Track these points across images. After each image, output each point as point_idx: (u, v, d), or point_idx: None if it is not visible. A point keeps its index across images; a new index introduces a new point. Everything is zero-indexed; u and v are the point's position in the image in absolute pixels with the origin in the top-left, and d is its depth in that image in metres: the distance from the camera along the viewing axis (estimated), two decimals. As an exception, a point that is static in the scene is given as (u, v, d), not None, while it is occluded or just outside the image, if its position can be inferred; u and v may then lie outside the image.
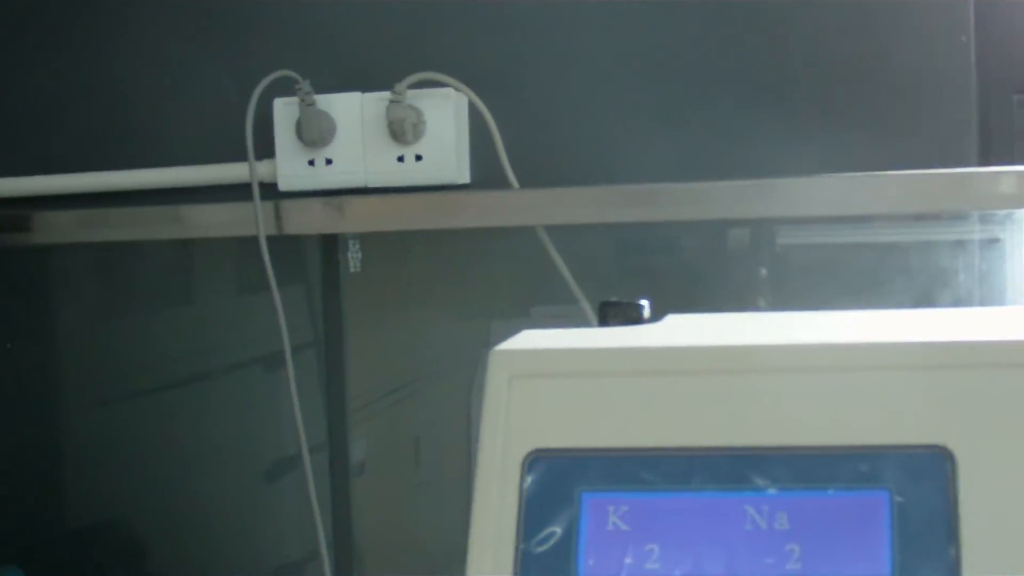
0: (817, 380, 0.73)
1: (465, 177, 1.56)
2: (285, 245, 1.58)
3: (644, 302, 0.88)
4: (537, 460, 0.74)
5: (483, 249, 1.59)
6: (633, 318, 0.88)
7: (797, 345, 0.75)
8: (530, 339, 0.80)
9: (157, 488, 1.71)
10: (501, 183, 1.52)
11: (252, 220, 1.53)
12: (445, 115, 1.54)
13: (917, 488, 0.70)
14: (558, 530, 0.72)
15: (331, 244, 1.61)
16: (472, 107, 1.54)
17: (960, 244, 1.54)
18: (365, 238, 1.61)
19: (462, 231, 1.56)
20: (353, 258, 1.61)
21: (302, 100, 1.53)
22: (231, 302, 1.69)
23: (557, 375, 0.76)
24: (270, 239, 1.53)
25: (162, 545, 1.73)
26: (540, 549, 0.72)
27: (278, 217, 1.55)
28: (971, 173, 1.45)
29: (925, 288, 1.53)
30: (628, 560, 0.72)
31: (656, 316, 0.90)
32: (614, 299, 0.90)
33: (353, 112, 1.55)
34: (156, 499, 1.71)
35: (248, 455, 1.68)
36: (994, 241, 1.57)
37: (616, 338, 0.79)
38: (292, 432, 1.54)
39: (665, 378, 0.75)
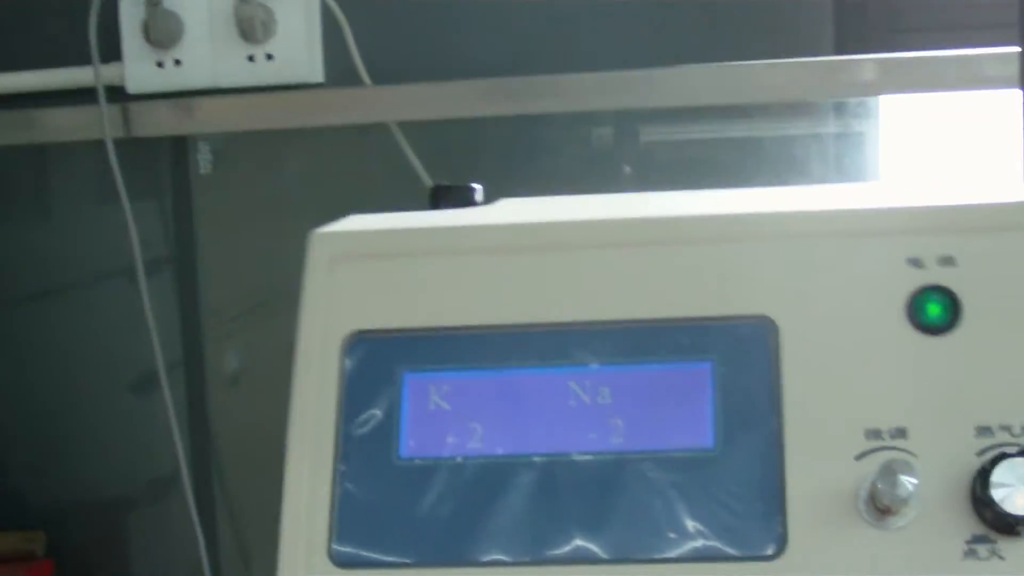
0: (639, 254, 0.72)
1: (318, 76, 1.54)
2: (137, 150, 1.54)
3: (476, 185, 0.86)
4: (358, 341, 0.72)
5: (342, 148, 1.57)
6: (465, 201, 0.86)
7: (619, 220, 0.74)
8: (354, 222, 0.78)
9: (17, 403, 1.68)
10: (354, 81, 1.50)
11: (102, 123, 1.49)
12: (296, 13, 1.51)
13: (740, 358, 0.70)
14: (379, 411, 0.71)
15: (182, 147, 1.58)
16: (324, 5, 1.51)
17: (819, 137, 1.54)
18: (218, 140, 1.57)
19: (320, 130, 1.53)
20: (203, 160, 1.58)
21: (148, 0, 1.49)
22: (89, 210, 1.65)
23: (378, 256, 0.74)
24: (121, 143, 1.50)
25: (22, 461, 1.69)
26: (361, 431, 0.71)
27: (126, 120, 1.52)
28: (833, 62, 1.45)
29: (785, 182, 1.53)
30: (451, 439, 0.70)
31: (490, 200, 0.89)
32: (445, 183, 0.88)
33: (201, 11, 1.52)
34: (16, 415, 1.68)
35: (113, 368, 1.65)
36: (852, 134, 1.57)
37: (440, 219, 0.77)
38: (164, 342, 1.51)
39: (485, 256, 0.73)
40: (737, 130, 1.58)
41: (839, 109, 1.53)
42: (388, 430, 0.70)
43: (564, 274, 0.72)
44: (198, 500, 1.56)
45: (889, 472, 0.64)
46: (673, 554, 0.67)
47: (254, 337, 1.62)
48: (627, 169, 1.57)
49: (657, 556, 0.67)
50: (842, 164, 1.54)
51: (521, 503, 0.68)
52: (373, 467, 0.70)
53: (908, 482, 0.63)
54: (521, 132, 1.56)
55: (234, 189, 1.61)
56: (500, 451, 0.69)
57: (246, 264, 1.62)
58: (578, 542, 0.68)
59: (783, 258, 0.71)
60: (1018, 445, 0.66)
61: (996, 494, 0.64)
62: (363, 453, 0.70)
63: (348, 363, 0.72)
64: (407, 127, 1.51)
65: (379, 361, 0.72)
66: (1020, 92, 0.84)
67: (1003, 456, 0.65)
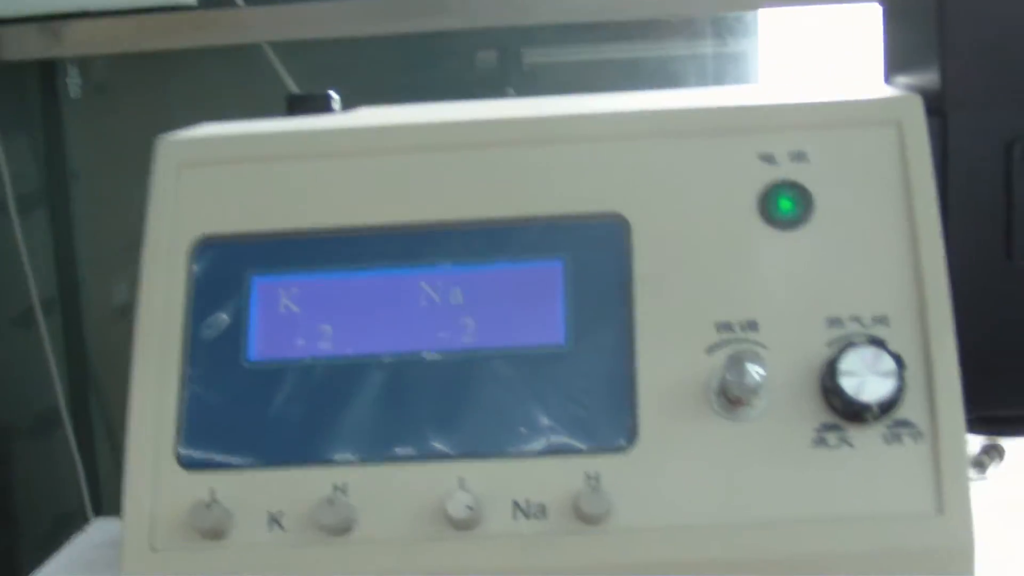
0: (491, 155, 0.72)
1: (190, -2, 1.51)
2: (4, 76, 1.51)
3: (333, 93, 0.85)
4: (205, 246, 0.71)
5: (218, 71, 1.54)
6: (321, 109, 0.85)
7: (469, 121, 0.73)
8: (203, 129, 0.76)
9: None
10: (227, 1, 1.47)
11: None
12: (166, -67, 1.48)
13: (592, 256, 0.69)
14: (227, 315, 0.70)
15: (50, 72, 1.55)
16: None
17: (698, 57, 1.54)
18: (91, 65, 1.54)
19: (197, 53, 1.50)
20: (73, 84, 1.55)
21: (12, -79, 1.46)
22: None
23: (225, 162, 0.73)
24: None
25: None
26: (209, 334, 0.70)
27: (-7, 44, 1.49)
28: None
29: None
30: (300, 341, 0.70)
31: (348, 108, 0.88)
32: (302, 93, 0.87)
33: (68, -68, 1.49)
34: None
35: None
36: (731, 53, 1.57)
37: (289, 125, 0.76)
38: (44, 276, 1.48)
39: (333, 160, 0.72)
40: (618, 52, 1.57)
41: (717, 27, 1.53)
42: (237, 333, 0.69)
43: (413, 176, 0.71)
44: (77, 431, 1.54)
45: (737, 362, 0.64)
46: (525, 449, 0.67)
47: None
48: (510, 92, 1.56)
49: (509, 451, 0.67)
50: (723, 82, 1.54)
51: (371, 403, 0.68)
52: (221, 370, 0.69)
53: (755, 372, 0.63)
54: (404, 55, 1.54)
55: (109, 115, 1.58)
56: (350, 352, 0.69)
57: (128, 193, 1.59)
58: (429, 440, 0.67)
59: (634, 156, 0.70)
60: (867, 335, 0.66)
61: (844, 383, 0.64)
62: (211, 356, 0.69)
63: (196, 267, 0.71)
64: (286, 48, 1.49)
65: (227, 265, 0.70)
66: (878, 5, 0.84)
67: (850, 345, 0.65)
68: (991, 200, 0.72)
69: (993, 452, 0.84)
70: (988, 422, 0.81)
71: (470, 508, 0.65)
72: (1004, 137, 0.71)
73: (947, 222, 0.72)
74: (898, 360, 0.64)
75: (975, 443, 0.86)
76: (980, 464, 0.84)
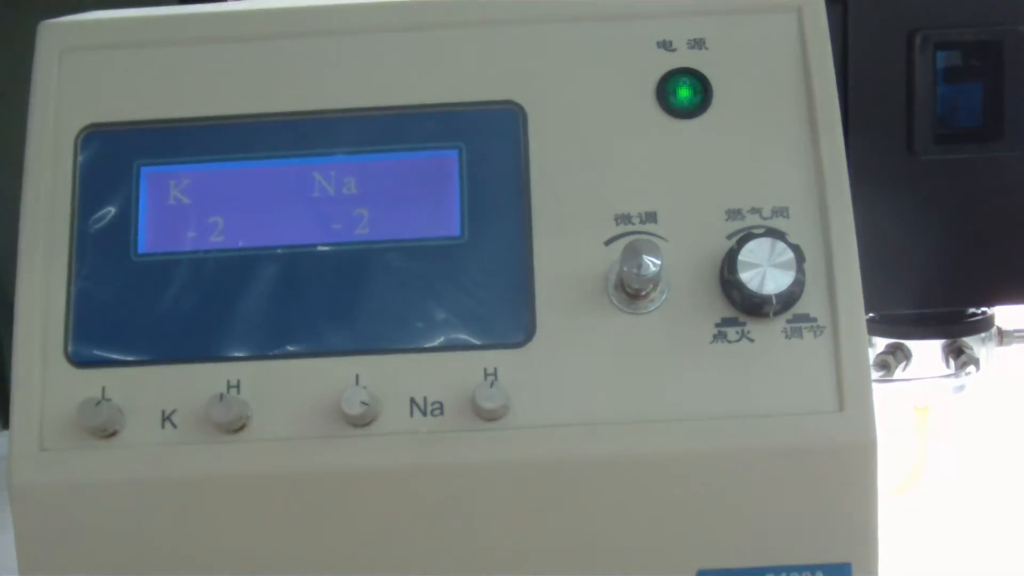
0: (385, 40, 0.70)
1: None
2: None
3: (227, -24, 0.82)
4: (91, 135, 0.69)
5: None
6: (215, -8, 0.82)
7: (363, 4, 0.71)
8: (88, 13, 0.73)
9: None
10: None
11: None
12: None
13: (488, 145, 0.68)
14: (115, 207, 0.68)
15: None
16: None
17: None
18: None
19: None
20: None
21: None
22: None
23: (111, 46, 0.70)
24: None
25: None
26: (97, 227, 0.68)
27: None
28: None
29: None
30: (191, 234, 0.68)
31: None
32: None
33: None
34: None
35: None
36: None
37: (181, 9, 0.73)
38: None
39: (225, 45, 0.70)
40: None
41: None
42: (125, 226, 0.67)
43: (307, 62, 0.69)
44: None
45: (632, 253, 0.62)
46: (421, 344, 0.66)
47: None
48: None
49: (405, 347, 0.65)
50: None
51: (264, 297, 0.66)
52: (110, 264, 0.67)
53: (651, 262, 0.62)
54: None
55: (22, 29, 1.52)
56: (242, 244, 0.67)
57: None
58: (323, 335, 0.66)
59: (531, 43, 0.69)
60: (767, 227, 0.65)
61: (743, 275, 0.63)
62: (100, 250, 0.67)
63: (82, 158, 0.68)
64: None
65: (114, 155, 0.68)
66: None
67: (750, 236, 0.64)
68: (892, 91, 0.71)
69: (899, 353, 0.83)
70: (892, 322, 0.81)
71: (365, 404, 0.64)
72: (905, 26, 0.70)
73: (847, 114, 0.71)
74: (797, 252, 0.63)
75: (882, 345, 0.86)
76: (885, 365, 0.83)
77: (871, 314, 0.84)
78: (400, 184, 0.67)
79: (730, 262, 0.63)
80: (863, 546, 0.64)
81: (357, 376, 0.65)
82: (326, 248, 0.66)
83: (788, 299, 0.63)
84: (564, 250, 0.66)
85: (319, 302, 0.66)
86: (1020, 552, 0.84)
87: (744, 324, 0.64)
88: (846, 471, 0.63)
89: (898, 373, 0.83)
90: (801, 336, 0.64)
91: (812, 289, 0.64)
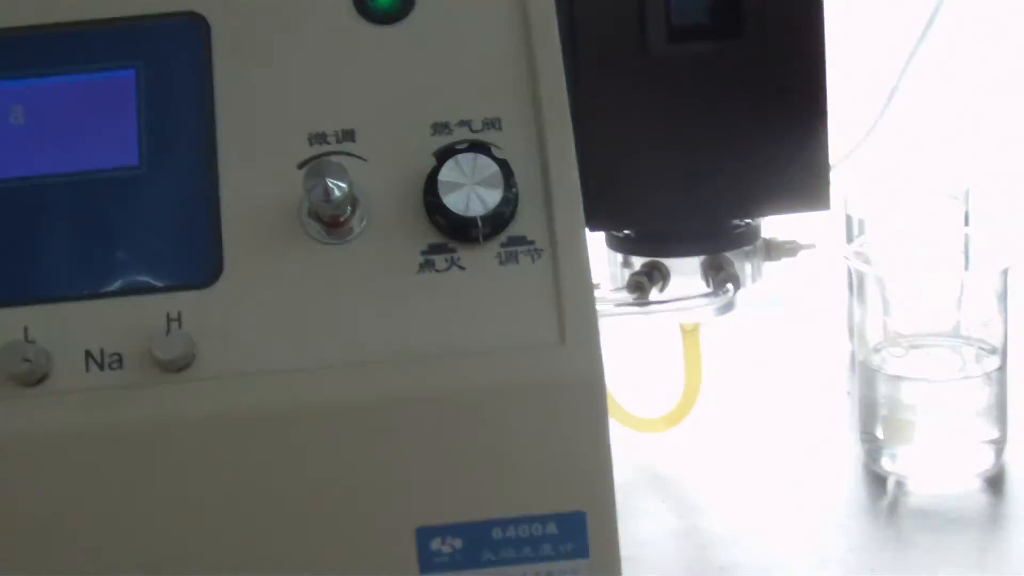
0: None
1: None
2: None
3: None
4: None
5: None
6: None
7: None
8: None
9: None
10: None
11: None
12: None
13: (167, 63, 0.60)
14: None
15: None
16: None
17: None
18: None
19: None
20: None
21: None
22: None
23: None
24: None
25: None
26: None
27: None
28: None
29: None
30: None
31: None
32: None
33: None
34: None
35: None
36: None
37: None
38: None
39: None
40: None
41: None
42: None
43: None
44: None
45: (315, 177, 0.55)
46: (97, 290, 0.58)
47: None
48: None
49: (78, 294, 0.58)
50: None
51: (-83, 243, 0.58)
52: None
53: (336, 186, 0.55)
54: None
55: None
56: None
57: None
58: (-15, 284, 0.57)
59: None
60: (473, 141, 0.58)
61: (445, 196, 0.56)
62: None
63: None
64: None
65: None
66: None
67: (450, 152, 0.56)
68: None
69: (656, 273, 0.76)
70: (645, 239, 0.75)
71: (28, 361, 0.56)
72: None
73: (572, 11, 0.63)
74: (504, 167, 0.56)
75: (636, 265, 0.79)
76: (640, 286, 0.76)
77: (627, 231, 0.77)
78: (72, 110, 0.60)
79: (431, 182, 0.56)
80: (598, 493, 0.57)
81: (26, 329, 0.57)
82: None
83: (497, 221, 0.57)
84: (253, 177, 0.59)
85: None
86: (788, 469, 0.79)
87: (454, 251, 0.58)
88: (572, 410, 0.57)
89: (655, 295, 0.76)
90: (517, 261, 0.57)
91: (527, 208, 0.58)
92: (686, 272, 0.77)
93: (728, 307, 0.76)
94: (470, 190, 0.56)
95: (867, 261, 0.77)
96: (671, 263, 0.77)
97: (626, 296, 0.76)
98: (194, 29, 0.60)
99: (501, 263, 0.58)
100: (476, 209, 0.56)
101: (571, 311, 0.57)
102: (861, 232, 0.89)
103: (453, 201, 0.56)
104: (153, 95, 0.60)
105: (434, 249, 0.58)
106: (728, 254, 0.76)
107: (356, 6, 0.60)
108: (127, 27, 0.61)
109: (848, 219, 0.92)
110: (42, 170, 0.60)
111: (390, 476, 0.57)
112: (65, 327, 0.58)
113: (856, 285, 0.78)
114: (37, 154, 0.60)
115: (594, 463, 0.57)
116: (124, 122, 0.60)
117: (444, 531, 0.57)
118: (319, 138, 0.59)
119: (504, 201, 0.56)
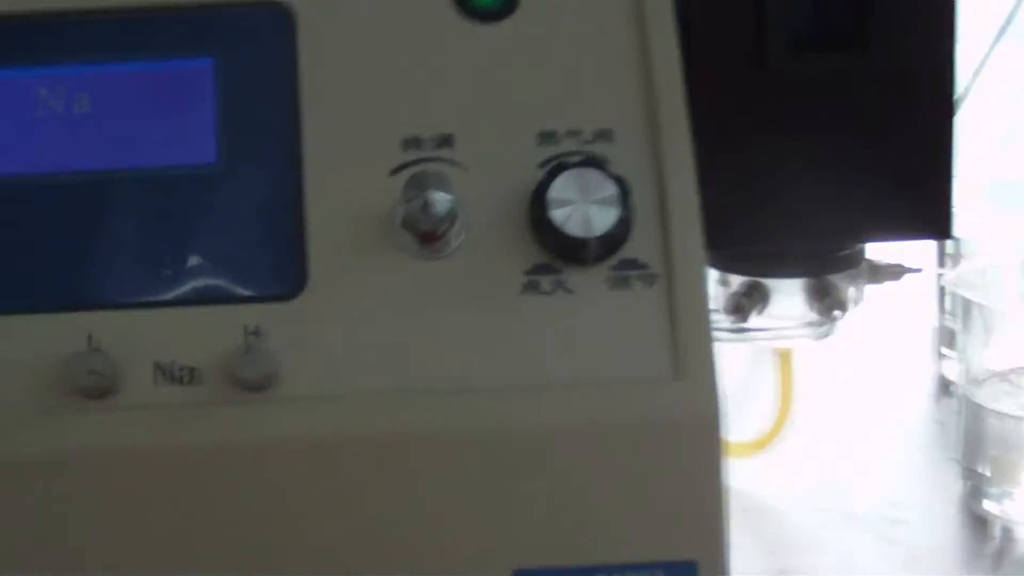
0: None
1: None
2: None
3: None
4: None
5: None
6: None
7: None
8: None
9: None
10: None
11: None
12: None
13: (249, 54, 0.56)
14: None
15: None
16: None
17: None
18: None
19: None
20: None
21: None
22: None
23: None
24: None
25: None
26: None
27: None
28: None
29: None
30: None
31: None
32: None
33: None
34: None
35: None
36: None
37: None
38: None
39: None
40: None
41: None
42: None
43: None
44: None
45: (415, 187, 0.50)
46: (169, 297, 0.54)
47: None
48: None
49: (149, 300, 0.54)
50: None
51: (-22, 238, 0.53)
52: None
53: (439, 198, 0.50)
54: None
55: None
56: (-53, 174, 0.54)
57: None
58: (48, 286, 0.54)
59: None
60: (585, 154, 0.53)
61: (555, 214, 0.51)
62: None
63: None
64: None
65: None
66: None
67: (563, 167, 0.52)
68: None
69: (755, 294, 0.72)
70: (746, 258, 0.70)
71: (96, 373, 0.51)
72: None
73: (689, 22, 0.59)
74: (621, 184, 0.51)
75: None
76: (739, 308, 0.71)
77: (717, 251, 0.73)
78: (143, 100, 0.56)
79: (540, 198, 0.51)
80: (711, 541, 0.53)
81: (90, 337, 0.52)
82: (54, 179, 0.55)
83: (611, 242, 0.52)
84: (342, 182, 0.55)
85: (44, 245, 0.55)
86: (882, 503, 0.75)
87: (560, 272, 0.53)
88: (685, 451, 0.52)
89: (754, 317, 0.71)
90: (629, 286, 0.53)
91: (641, 229, 0.54)
92: (787, 292, 0.73)
93: (827, 332, 0.71)
94: (583, 208, 0.52)
95: (971, 287, 0.72)
96: (772, 282, 0.72)
97: (725, 318, 0.72)
98: (279, 19, 0.56)
99: (612, 288, 0.53)
100: (589, 230, 0.52)
101: (687, 343, 0.53)
102: (956, 254, 0.85)
103: (563, 219, 0.52)
104: (232, 88, 0.56)
105: (539, 269, 0.53)
106: (832, 277, 0.72)
107: (456, 1, 0.55)
108: (205, 14, 0.57)
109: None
110: (109, 163, 0.55)
111: (487, 512, 0.53)
112: (132, 336, 0.54)
113: (962, 313, 0.73)
114: (103, 146, 0.55)
115: (707, 509, 0.53)
116: (201, 115, 0.56)
117: (544, 574, 0.53)
118: (413, 143, 0.55)
119: (620, 222, 0.52)
